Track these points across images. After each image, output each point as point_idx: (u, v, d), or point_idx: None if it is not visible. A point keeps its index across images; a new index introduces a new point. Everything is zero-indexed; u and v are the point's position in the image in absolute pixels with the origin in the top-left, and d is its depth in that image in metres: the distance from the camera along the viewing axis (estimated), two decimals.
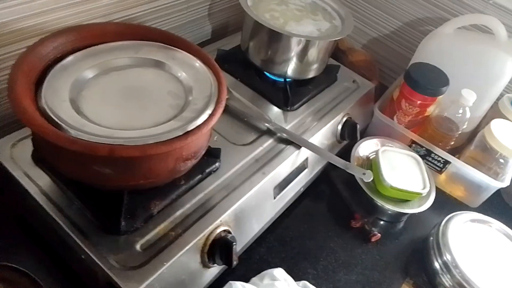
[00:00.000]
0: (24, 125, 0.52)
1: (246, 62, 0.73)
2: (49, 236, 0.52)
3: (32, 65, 0.43)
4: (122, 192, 0.47)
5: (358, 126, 0.71)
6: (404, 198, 0.68)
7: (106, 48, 0.49)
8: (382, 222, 0.69)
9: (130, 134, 0.40)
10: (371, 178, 0.62)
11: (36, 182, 0.49)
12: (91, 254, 0.44)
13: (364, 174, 0.62)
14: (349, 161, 0.67)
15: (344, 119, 0.72)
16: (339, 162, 0.63)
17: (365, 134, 0.79)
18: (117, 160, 0.39)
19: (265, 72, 0.73)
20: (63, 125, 0.39)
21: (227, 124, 0.63)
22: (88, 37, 0.49)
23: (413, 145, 0.76)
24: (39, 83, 0.44)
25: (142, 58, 0.49)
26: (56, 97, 0.42)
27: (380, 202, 0.66)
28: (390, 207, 0.66)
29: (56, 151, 0.41)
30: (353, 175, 0.65)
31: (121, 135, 0.40)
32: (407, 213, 0.68)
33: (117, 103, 0.45)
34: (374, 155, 0.73)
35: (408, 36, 0.93)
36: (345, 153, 0.71)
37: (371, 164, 0.72)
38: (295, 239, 0.63)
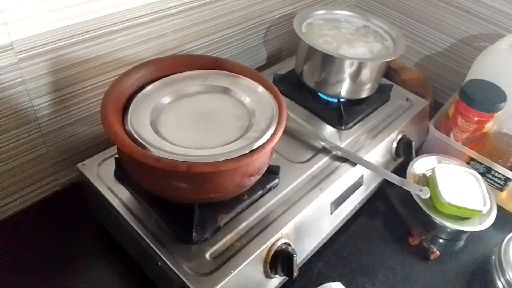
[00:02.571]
0: (108, 146, 0.61)
1: (300, 85, 0.77)
2: (128, 244, 0.58)
3: (119, 94, 0.50)
4: (193, 205, 0.52)
5: (413, 144, 0.72)
6: (463, 215, 0.67)
7: (179, 78, 0.55)
8: (441, 240, 0.69)
9: (204, 153, 0.45)
10: (429, 195, 0.62)
11: (118, 197, 0.56)
12: (167, 261, 0.49)
13: (421, 190, 0.63)
14: (405, 178, 0.68)
15: (399, 136, 0.73)
16: (395, 179, 0.64)
17: (420, 152, 0.80)
18: (193, 175, 0.44)
19: (319, 93, 0.76)
20: (147, 145, 0.45)
21: (285, 143, 0.67)
22: (164, 68, 0.55)
23: (472, 162, 0.75)
24: (124, 109, 0.51)
25: (210, 85, 0.55)
26: (139, 121, 0.49)
27: (438, 219, 0.66)
28: (449, 225, 0.66)
29: (141, 169, 0.47)
30: (409, 192, 0.66)
31: (196, 153, 0.45)
32: (467, 231, 0.68)
33: (189, 125, 0.51)
34: (430, 172, 0.73)
35: (462, 53, 0.93)
36: (400, 171, 0.72)
37: (427, 181, 0.73)
38: (352, 255, 0.65)
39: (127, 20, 0.62)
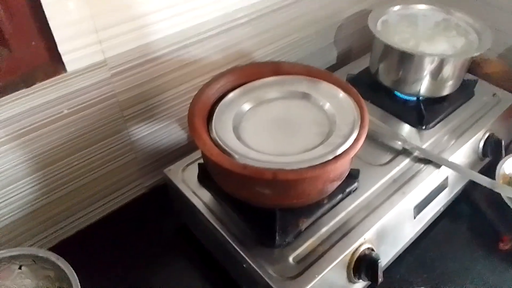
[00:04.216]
0: (191, 151, 0.64)
1: (375, 84, 0.75)
2: (212, 245, 0.61)
3: (203, 103, 0.52)
4: (275, 210, 0.53)
5: (503, 142, 0.67)
6: None
7: (258, 84, 0.56)
8: None
9: (287, 160, 0.46)
10: None
11: (202, 200, 0.58)
12: (252, 264, 0.51)
13: None
14: (493, 179, 0.64)
15: (486, 135, 0.69)
16: (485, 180, 0.61)
17: (510, 150, 0.74)
18: (278, 182, 0.45)
19: (396, 92, 0.74)
20: (232, 153, 0.47)
21: (363, 146, 0.65)
22: (243, 76, 0.57)
23: None
24: (208, 117, 0.53)
25: (289, 91, 0.56)
26: (223, 129, 0.51)
27: None
28: None
29: (226, 175, 0.49)
30: (498, 194, 0.62)
31: (280, 160, 0.46)
32: None
33: (270, 131, 0.51)
34: None
35: None
36: (488, 171, 0.68)
37: None
38: (436, 260, 0.62)
39: (202, 32, 0.64)
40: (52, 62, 0.51)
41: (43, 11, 0.47)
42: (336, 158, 0.46)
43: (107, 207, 0.70)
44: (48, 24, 0.48)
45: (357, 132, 0.48)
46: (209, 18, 0.63)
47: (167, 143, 0.71)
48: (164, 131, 0.69)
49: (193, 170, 0.62)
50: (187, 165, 0.63)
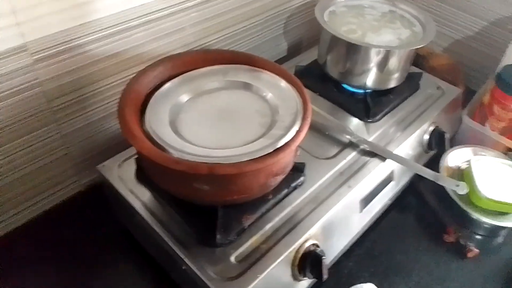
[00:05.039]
0: (129, 146, 0.59)
1: (323, 76, 0.73)
2: (151, 248, 0.57)
3: (136, 93, 0.48)
4: (216, 207, 0.50)
5: (446, 135, 0.68)
6: (502, 210, 0.63)
7: (198, 74, 0.53)
8: (478, 237, 0.65)
9: (226, 153, 0.43)
10: (466, 190, 0.59)
11: (140, 199, 0.54)
12: (191, 266, 0.47)
13: (457, 186, 0.59)
14: (437, 171, 0.65)
15: (431, 128, 0.69)
16: (429, 173, 0.61)
17: (453, 143, 0.75)
18: (215, 177, 0.42)
19: (344, 85, 0.73)
20: (166, 147, 0.43)
21: (309, 139, 0.62)
22: (181, 65, 0.53)
23: (510, 153, 0.70)
24: (142, 108, 0.49)
25: (230, 81, 0.53)
26: (158, 121, 0.47)
27: (475, 215, 0.62)
28: (487, 221, 0.62)
29: (160, 171, 0.46)
30: (443, 187, 0.63)
31: (218, 154, 0.43)
32: (507, 227, 0.63)
33: (210, 123, 0.48)
34: (466, 165, 0.69)
35: (495, 36, 0.87)
36: (433, 163, 0.69)
37: (462, 174, 0.68)
38: (384, 253, 0.62)
39: (142, 15, 0.60)
40: None
41: None
42: (277, 151, 0.43)
43: (39, 206, 0.64)
44: None
45: (299, 124, 0.46)
46: (143, 2, 0.59)
47: (103, 137, 0.66)
48: (99, 124, 0.64)
49: (131, 166, 0.57)
50: (124, 161, 0.58)
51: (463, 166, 0.70)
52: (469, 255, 0.61)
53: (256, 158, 0.42)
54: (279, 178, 0.49)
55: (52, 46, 0.52)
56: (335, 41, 0.67)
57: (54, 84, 0.55)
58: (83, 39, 0.55)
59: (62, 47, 0.53)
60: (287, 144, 0.44)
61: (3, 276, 0.54)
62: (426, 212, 0.68)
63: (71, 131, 0.61)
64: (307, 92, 0.51)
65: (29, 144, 0.57)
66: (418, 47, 0.66)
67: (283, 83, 0.52)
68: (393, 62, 0.66)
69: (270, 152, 0.43)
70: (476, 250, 0.61)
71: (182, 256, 0.48)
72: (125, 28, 0.59)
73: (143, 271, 0.58)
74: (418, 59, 0.90)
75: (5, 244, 0.60)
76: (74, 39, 0.54)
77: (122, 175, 0.57)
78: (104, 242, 0.61)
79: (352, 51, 0.66)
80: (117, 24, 0.57)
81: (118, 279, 0.57)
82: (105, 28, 0.56)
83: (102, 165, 0.57)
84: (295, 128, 0.46)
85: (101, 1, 0.54)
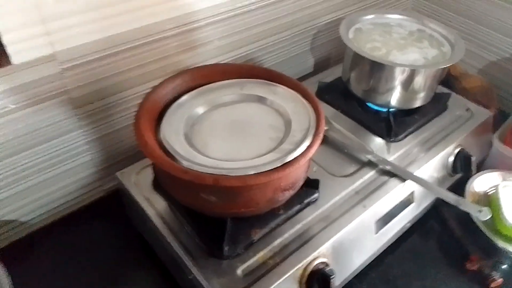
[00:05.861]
0: None
1: (347, 93, 0.73)
2: (162, 254, 0.58)
3: (154, 104, 0.50)
4: (226, 219, 0.50)
5: (473, 159, 0.65)
6: None
7: (215, 87, 0.54)
8: (503, 266, 0.61)
9: (233, 165, 0.43)
10: (489, 216, 0.56)
11: (154, 206, 0.55)
12: (197, 276, 0.48)
13: (480, 211, 0.56)
14: (463, 196, 0.62)
15: (457, 150, 0.66)
16: (450, 197, 0.58)
17: (482, 167, 0.72)
18: (221, 189, 0.42)
19: (367, 103, 0.72)
20: (176, 156, 0.44)
21: (327, 155, 0.63)
22: (200, 77, 0.54)
23: None
24: (159, 119, 0.50)
25: (246, 94, 0.53)
26: (172, 131, 0.48)
27: (501, 243, 0.59)
28: None
29: (170, 180, 0.47)
30: (468, 213, 0.60)
31: (225, 166, 0.43)
32: None
33: (223, 135, 0.49)
34: (493, 191, 0.65)
35: None
36: (459, 188, 0.65)
37: (489, 200, 0.65)
38: (399, 279, 0.59)
39: (171, 28, 0.62)
40: None
41: None
42: (285, 165, 0.43)
43: (60, 210, 0.66)
44: None
45: (311, 139, 0.46)
46: (177, 14, 0.61)
47: (126, 145, 0.68)
48: (123, 133, 0.66)
49: (148, 174, 0.59)
50: (142, 168, 0.60)
51: (491, 192, 0.66)
52: (492, 285, 0.57)
53: (262, 172, 0.42)
54: (288, 193, 0.48)
55: (79, 56, 0.55)
56: (358, 58, 0.66)
57: (81, 93, 0.58)
58: (111, 50, 0.57)
59: (90, 58, 0.56)
60: (295, 159, 0.44)
61: (24, 275, 0.56)
62: (448, 237, 0.64)
63: (96, 137, 0.63)
64: (323, 108, 0.50)
65: (55, 149, 0.60)
66: (444, 66, 0.64)
67: (299, 98, 0.52)
68: (418, 82, 0.65)
69: (278, 167, 0.43)
70: (500, 280, 0.57)
71: (190, 265, 0.49)
72: (152, 40, 0.61)
73: (154, 276, 0.59)
74: (451, 80, 0.87)
75: (27, 244, 0.63)
76: (103, 49, 0.56)
77: (139, 182, 0.58)
78: (120, 246, 0.63)
79: (375, 69, 0.65)
80: (145, 36, 0.60)
81: (130, 284, 0.58)
82: (132, 41, 0.59)
83: (121, 172, 0.59)
84: (306, 143, 0.46)
85: (128, 14, 0.56)
